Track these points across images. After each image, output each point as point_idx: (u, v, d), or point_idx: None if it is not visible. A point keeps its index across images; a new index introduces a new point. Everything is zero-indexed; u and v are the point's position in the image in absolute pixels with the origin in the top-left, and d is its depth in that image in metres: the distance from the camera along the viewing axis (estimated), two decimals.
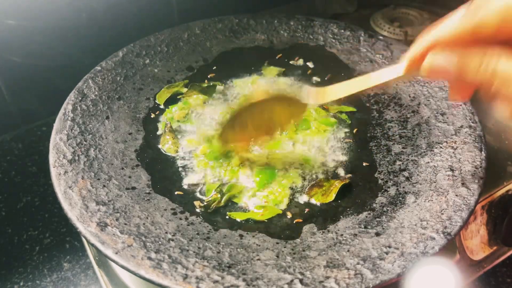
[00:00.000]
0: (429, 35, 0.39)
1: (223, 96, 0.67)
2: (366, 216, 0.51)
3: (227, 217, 0.52)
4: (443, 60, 0.37)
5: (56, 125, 0.58)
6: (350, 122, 0.63)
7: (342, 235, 0.49)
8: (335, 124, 0.62)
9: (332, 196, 0.53)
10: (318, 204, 0.53)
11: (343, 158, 0.58)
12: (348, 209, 0.52)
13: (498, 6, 0.33)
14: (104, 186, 0.52)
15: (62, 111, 0.60)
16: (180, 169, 0.57)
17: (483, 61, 0.34)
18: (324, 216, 0.51)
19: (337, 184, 0.54)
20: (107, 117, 0.62)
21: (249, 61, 0.73)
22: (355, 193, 0.54)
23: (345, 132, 0.62)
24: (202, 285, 0.42)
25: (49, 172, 0.52)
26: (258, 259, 0.46)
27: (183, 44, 0.75)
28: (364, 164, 0.57)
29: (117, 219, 0.48)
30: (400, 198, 0.52)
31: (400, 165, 0.56)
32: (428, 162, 0.56)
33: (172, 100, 0.66)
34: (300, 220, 0.51)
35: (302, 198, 0.54)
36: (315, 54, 0.75)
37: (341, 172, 0.57)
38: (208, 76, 0.71)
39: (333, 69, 0.72)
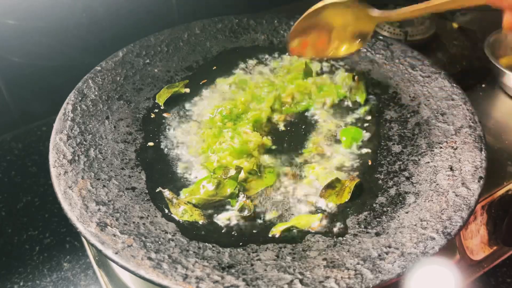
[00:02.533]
0: None
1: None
2: (366, 216, 0.51)
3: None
4: None
5: (56, 125, 0.58)
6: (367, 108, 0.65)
7: (342, 235, 0.49)
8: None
9: (347, 196, 0.52)
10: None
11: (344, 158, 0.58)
12: (348, 209, 0.52)
13: None
14: (104, 186, 0.52)
15: (62, 111, 0.60)
16: (180, 170, 0.57)
17: None
18: (325, 216, 0.51)
19: (348, 184, 0.53)
20: (107, 117, 0.62)
21: (249, 60, 0.74)
22: (355, 193, 0.54)
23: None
24: (202, 285, 0.42)
25: (49, 172, 0.52)
26: (258, 259, 0.46)
27: (183, 44, 0.75)
28: (364, 164, 0.57)
29: (117, 219, 0.48)
30: (400, 198, 0.52)
31: (400, 165, 0.56)
32: (428, 162, 0.56)
33: (173, 100, 0.66)
34: None
35: None
36: None
37: (342, 172, 0.57)
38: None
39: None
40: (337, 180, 0.54)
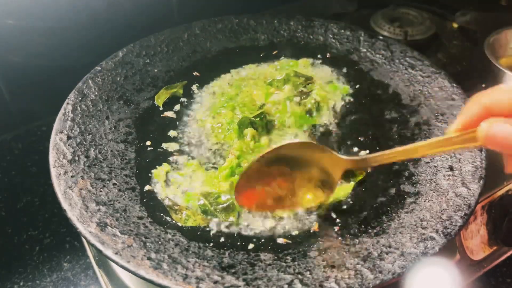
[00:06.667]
0: (481, 102, 0.37)
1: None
2: (366, 216, 0.51)
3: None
4: (503, 128, 0.35)
5: (56, 125, 0.58)
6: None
7: (342, 235, 0.49)
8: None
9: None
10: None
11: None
12: (348, 209, 0.52)
13: None
14: (104, 186, 0.52)
15: (62, 111, 0.60)
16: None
17: None
18: (324, 216, 0.51)
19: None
20: (107, 117, 0.62)
21: (249, 61, 0.74)
22: (355, 193, 0.54)
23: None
24: (202, 285, 0.42)
25: (49, 172, 0.52)
26: (258, 259, 0.46)
27: (183, 44, 0.75)
28: None
29: (117, 219, 0.48)
30: (400, 198, 0.52)
31: (400, 165, 0.56)
32: (428, 162, 0.55)
33: (173, 100, 0.66)
34: None
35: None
36: (315, 54, 0.75)
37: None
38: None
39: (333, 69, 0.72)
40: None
